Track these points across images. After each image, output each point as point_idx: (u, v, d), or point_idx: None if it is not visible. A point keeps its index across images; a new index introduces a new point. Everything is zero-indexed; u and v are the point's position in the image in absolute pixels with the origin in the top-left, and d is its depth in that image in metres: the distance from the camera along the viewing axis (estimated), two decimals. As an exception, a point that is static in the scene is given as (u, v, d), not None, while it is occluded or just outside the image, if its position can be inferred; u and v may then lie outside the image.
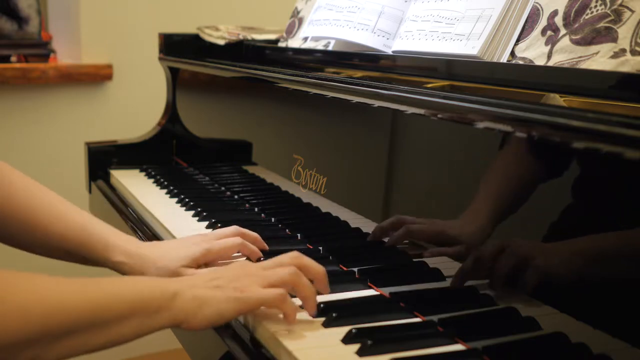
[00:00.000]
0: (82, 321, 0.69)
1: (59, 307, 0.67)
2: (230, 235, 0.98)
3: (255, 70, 1.29)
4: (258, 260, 0.96)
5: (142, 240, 1.12)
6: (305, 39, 1.43)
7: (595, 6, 0.87)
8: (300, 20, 1.52)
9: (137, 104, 2.21)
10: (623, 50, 0.82)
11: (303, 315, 0.80)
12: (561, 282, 0.70)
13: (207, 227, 1.15)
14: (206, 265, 0.96)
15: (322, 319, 0.79)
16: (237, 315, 0.78)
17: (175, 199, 1.32)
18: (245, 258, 0.99)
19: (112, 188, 1.54)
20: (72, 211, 1.00)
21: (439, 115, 0.84)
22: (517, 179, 0.77)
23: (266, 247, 1.01)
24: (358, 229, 1.02)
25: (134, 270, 0.95)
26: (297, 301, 0.81)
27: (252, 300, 0.76)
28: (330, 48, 1.35)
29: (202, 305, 0.75)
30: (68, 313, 0.68)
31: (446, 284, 0.84)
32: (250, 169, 1.40)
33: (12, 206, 0.97)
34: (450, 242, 0.83)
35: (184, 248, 0.96)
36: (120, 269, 0.96)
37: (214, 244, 0.96)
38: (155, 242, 1.02)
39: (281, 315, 0.79)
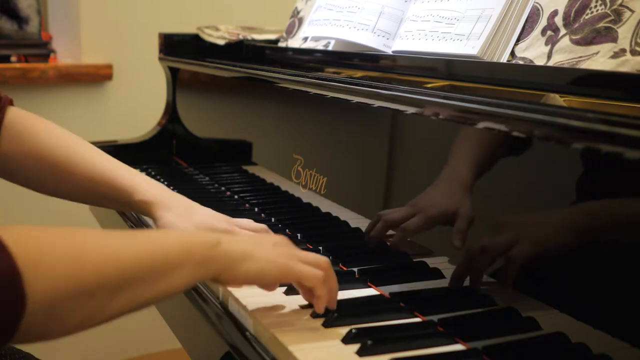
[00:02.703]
0: (135, 271, 0.68)
1: (112, 257, 0.66)
2: (256, 229, 1.00)
3: (255, 70, 1.29)
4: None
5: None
6: (305, 39, 1.43)
7: (595, 6, 0.87)
8: (300, 20, 1.52)
9: (137, 104, 2.21)
10: (623, 50, 0.82)
11: (303, 315, 0.80)
12: (561, 282, 0.70)
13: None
14: None
15: (322, 319, 0.79)
16: (275, 280, 0.79)
17: (175, 199, 1.32)
18: None
19: (112, 188, 1.54)
20: (99, 155, 1.05)
21: (439, 115, 0.84)
22: (515, 178, 0.77)
23: None
24: (358, 229, 1.02)
25: (151, 210, 0.99)
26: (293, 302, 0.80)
27: (293, 271, 0.77)
28: (330, 48, 1.35)
29: (244, 258, 0.75)
30: (122, 263, 0.66)
31: (446, 283, 0.84)
32: (250, 169, 1.40)
33: (40, 161, 1.02)
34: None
35: (207, 216, 1.00)
36: (140, 210, 1.01)
37: (235, 230, 0.98)
38: (182, 197, 1.04)
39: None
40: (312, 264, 0.79)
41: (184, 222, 0.97)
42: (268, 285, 0.81)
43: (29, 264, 0.58)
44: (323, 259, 0.80)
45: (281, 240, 0.82)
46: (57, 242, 0.64)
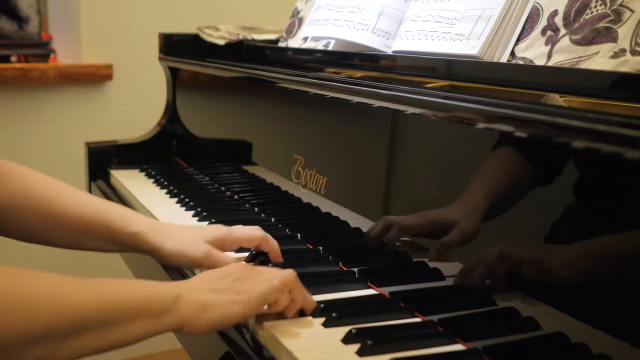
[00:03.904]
0: (90, 320, 0.69)
1: (68, 305, 0.67)
2: (255, 236, 0.99)
3: (255, 70, 1.29)
4: (275, 265, 0.96)
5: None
6: (305, 39, 1.43)
7: (595, 6, 0.87)
8: (300, 20, 1.52)
9: (137, 104, 2.21)
10: (623, 50, 0.82)
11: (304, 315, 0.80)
12: (561, 282, 0.70)
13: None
14: (222, 250, 0.96)
15: (322, 319, 0.79)
16: (241, 319, 0.78)
17: (175, 199, 1.32)
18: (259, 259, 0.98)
19: (112, 188, 1.54)
20: (87, 196, 1.02)
21: (439, 115, 0.84)
22: (516, 179, 0.77)
23: (281, 259, 0.98)
24: (358, 229, 1.02)
25: (150, 238, 0.95)
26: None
27: (254, 300, 0.76)
28: (330, 48, 1.35)
29: (205, 309, 0.75)
30: (77, 311, 0.68)
31: (446, 283, 0.84)
32: (250, 169, 1.40)
33: (28, 196, 0.97)
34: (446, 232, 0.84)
35: (205, 228, 0.98)
36: (137, 240, 0.96)
37: (236, 231, 0.97)
38: (167, 224, 1.02)
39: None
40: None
41: (178, 243, 0.94)
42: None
43: None
44: (286, 273, 0.79)
45: (239, 267, 0.81)
46: (15, 285, 0.65)
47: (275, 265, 0.95)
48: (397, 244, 0.93)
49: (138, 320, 0.72)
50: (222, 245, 0.96)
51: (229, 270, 0.81)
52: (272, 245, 0.97)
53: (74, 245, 1.01)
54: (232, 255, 0.97)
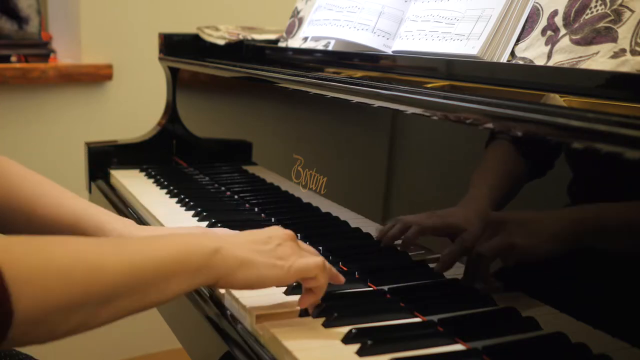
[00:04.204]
0: (124, 285, 0.67)
1: (100, 271, 0.66)
2: None
3: (255, 70, 1.29)
4: None
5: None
6: (305, 39, 1.43)
7: (595, 6, 0.87)
8: (300, 20, 1.52)
9: (137, 104, 2.21)
10: (623, 50, 0.82)
11: (303, 315, 0.80)
12: (561, 282, 0.70)
13: (207, 227, 1.15)
14: None
15: (322, 319, 0.79)
16: (276, 283, 0.77)
17: (175, 199, 1.32)
18: None
19: (112, 188, 1.54)
20: (67, 198, 1.00)
21: (439, 115, 0.84)
22: (516, 179, 0.77)
23: None
24: (358, 229, 1.02)
25: None
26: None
27: (293, 269, 0.76)
28: (330, 48, 1.35)
29: (242, 265, 0.75)
30: (110, 277, 0.66)
31: (446, 284, 0.84)
32: (250, 169, 1.40)
33: (12, 196, 0.97)
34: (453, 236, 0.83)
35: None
36: None
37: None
38: (149, 227, 1.02)
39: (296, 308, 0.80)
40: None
41: None
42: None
43: (16, 281, 0.58)
44: (321, 258, 0.80)
45: (285, 239, 0.80)
46: (45, 255, 0.64)
47: None
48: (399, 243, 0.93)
49: (175, 278, 0.70)
50: None
51: (275, 233, 0.81)
52: None
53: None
54: None
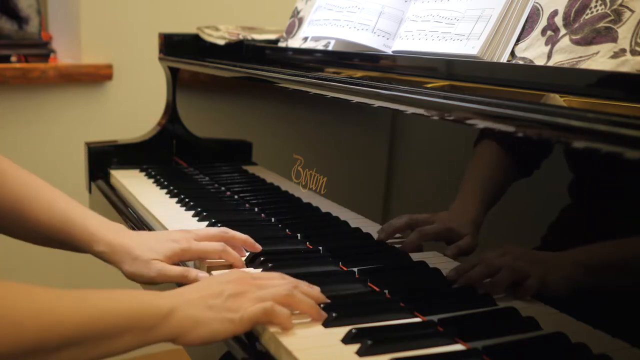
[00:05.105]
0: (76, 337, 0.70)
1: (53, 324, 0.68)
2: (215, 236, 0.98)
3: (255, 70, 1.29)
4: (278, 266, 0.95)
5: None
6: (305, 39, 1.43)
7: (595, 6, 0.87)
8: (300, 20, 1.52)
9: (137, 104, 2.21)
10: (623, 50, 0.82)
11: (303, 315, 0.80)
12: (561, 282, 0.70)
13: (207, 226, 1.15)
14: (181, 263, 0.96)
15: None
16: (230, 336, 0.78)
17: (175, 199, 1.32)
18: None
19: (112, 188, 1.54)
20: (57, 200, 1.00)
21: (439, 115, 0.84)
22: (514, 180, 0.77)
23: (258, 248, 1.00)
24: (358, 229, 1.02)
25: (112, 259, 0.96)
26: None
27: (245, 319, 0.76)
28: (330, 48, 1.35)
29: (195, 325, 0.75)
30: (63, 329, 0.69)
31: (446, 284, 0.84)
32: (250, 169, 1.40)
33: (3, 195, 0.98)
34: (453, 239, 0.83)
35: (162, 243, 0.96)
36: (102, 258, 0.98)
37: (193, 245, 0.96)
38: (138, 232, 1.02)
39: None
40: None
41: (144, 263, 0.94)
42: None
43: None
44: (281, 290, 0.79)
45: (238, 285, 0.79)
46: (3, 304, 0.66)
47: (280, 266, 0.94)
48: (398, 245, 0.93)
49: (127, 334, 0.73)
50: (180, 259, 0.96)
51: (226, 283, 0.80)
52: (232, 257, 0.96)
53: (47, 246, 1.03)
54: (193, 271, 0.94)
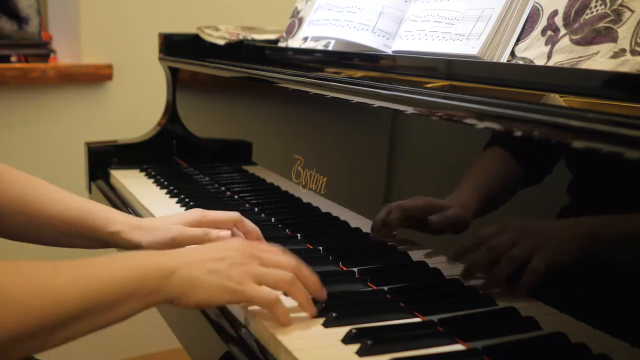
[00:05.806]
0: (79, 311, 0.69)
1: (56, 301, 0.68)
2: (228, 220, 1.00)
3: (255, 70, 1.29)
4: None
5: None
6: (305, 39, 1.43)
7: (595, 6, 0.87)
8: (300, 20, 1.52)
9: (137, 104, 2.21)
10: (623, 50, 0.82)
11: (303, 315, 0.80)
12: (561, 282, 0.70)
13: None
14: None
15: (322, 319, 0.79)
16: (227, 304, 0.79)
17: (175, 199, 1.32)
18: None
19: (112, 188, 1.54)
20: (63, 193, 1.02)
21: (439, 115, 0.84)
22: (514, 180, 0.77)
23: (262, 240, 1.01)
24: (358, 229, 1.02)
25: (129, 236, 0.97)
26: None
27: (246, 295, 0.77)
28: (330, 48, 1.35)
29: (195, 286, 0.75)
30: (65, 306, 0.68)
31: (446, 284, 0.84)
32: (250, 169, 1.40)
33: (6, 197, 0.98)
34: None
35: (176, 216, 1.00)
36: (117, 240, 0.98)
37: (208, 214, 0.99)
38: (146, 219, 1.04)
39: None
40: (272, 285, 0.78)
41: (163, 229, 0.97)
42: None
43: None
44: (284, 275, 0.79)
45: (242, 255, 0.79)
46: (3, 286, 0.66)
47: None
48: (395, 233, 0.93)
49: (130, 301, 0.72)
50: (197, 226, 0.98)
51: (231, 250, 0.80)
52: (248, 226, 0.99)
53: (56, 243, 1.03)
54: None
